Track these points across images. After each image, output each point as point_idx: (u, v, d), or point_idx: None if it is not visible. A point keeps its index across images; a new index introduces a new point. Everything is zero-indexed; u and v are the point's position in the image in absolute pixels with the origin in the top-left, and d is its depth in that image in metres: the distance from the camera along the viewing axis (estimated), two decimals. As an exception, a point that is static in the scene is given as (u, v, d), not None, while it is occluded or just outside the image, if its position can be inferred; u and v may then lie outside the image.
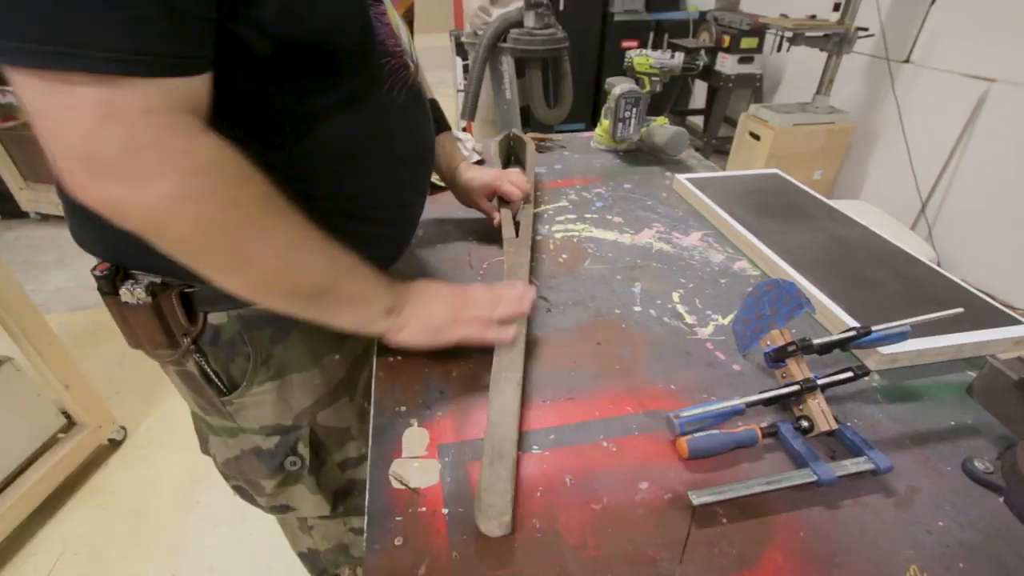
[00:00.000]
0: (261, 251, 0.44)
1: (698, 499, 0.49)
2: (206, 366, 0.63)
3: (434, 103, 0.81)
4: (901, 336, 0.62)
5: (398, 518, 0.50)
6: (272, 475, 0.72)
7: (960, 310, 0.62)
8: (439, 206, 1.06)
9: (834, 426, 0.55)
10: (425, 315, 0.57)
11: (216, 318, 0.60)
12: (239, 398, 0.65)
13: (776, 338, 0.62)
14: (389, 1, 0.59)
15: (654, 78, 1.29)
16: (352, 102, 0.52)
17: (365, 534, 0.48)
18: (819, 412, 0.56)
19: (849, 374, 0.58)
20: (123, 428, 1.69)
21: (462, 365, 0.67)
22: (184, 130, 0.39)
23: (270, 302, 0.50)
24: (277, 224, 0.45)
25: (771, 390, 0.58)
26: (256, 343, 0.62)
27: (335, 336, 0.63)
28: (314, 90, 0.49)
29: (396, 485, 0.53)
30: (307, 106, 0.49)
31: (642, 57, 1.30)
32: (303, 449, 0.71)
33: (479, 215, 0.96)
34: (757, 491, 0.50)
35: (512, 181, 0.86)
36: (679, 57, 1.27)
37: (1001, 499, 0.52)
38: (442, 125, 0.85)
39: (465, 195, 0.91)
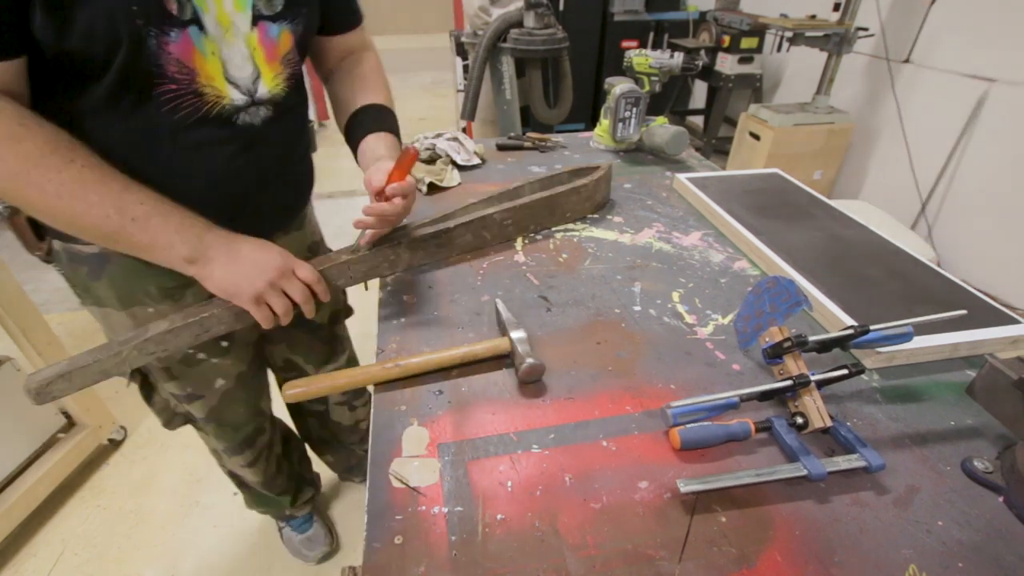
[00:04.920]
0: (37, 198, 0.57)
1: (686, 487, 0.50)
2: (64, 276, 0.79)
3: (372, 108, 0.84)
4: (904, 337, 0.62)
5: (398, 517, 0.50)
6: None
7: (963, 312, 0.62)
8: (440, 205, 1.06)
9: (829, 423, 0.55)
10: (226, 276, 0.64)
11: (55, 244, 0.75)
12: (89, 308, 0.81)
13: (775, 334, 0.63)
14: (217, 42, 0.64)
15: (653, 78, 1.29)
16: (111, 109, 0.61)
17: (365, 532, 0.49)
18: (814, 409, 0.56)
19: (844, 371, 0.58)
20: (123, 428, 1.69)
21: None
22: None
23: (77, 235, 0.63)
24: (51, 178, 0.56)
25: (766, 385, 0.59)
26: (76, 275, 0.77)
27: (149, 294, 0.77)
28: (78, 90, 0.60)
29: (396, 484, 0.53)
30: (77, 104, 0.61)
31: (641, 57, 1.30)
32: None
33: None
34: (747, 482, 0.51)
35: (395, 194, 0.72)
36: (678, 57, 1.27)
37: (1000, 499, 0.52)
38: (378, 126, 0.82)
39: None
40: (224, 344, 0.89)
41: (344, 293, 1.08)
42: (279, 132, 0.75)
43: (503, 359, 0.68)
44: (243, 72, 0.68)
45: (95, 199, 0.58)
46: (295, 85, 0.76)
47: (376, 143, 0.80)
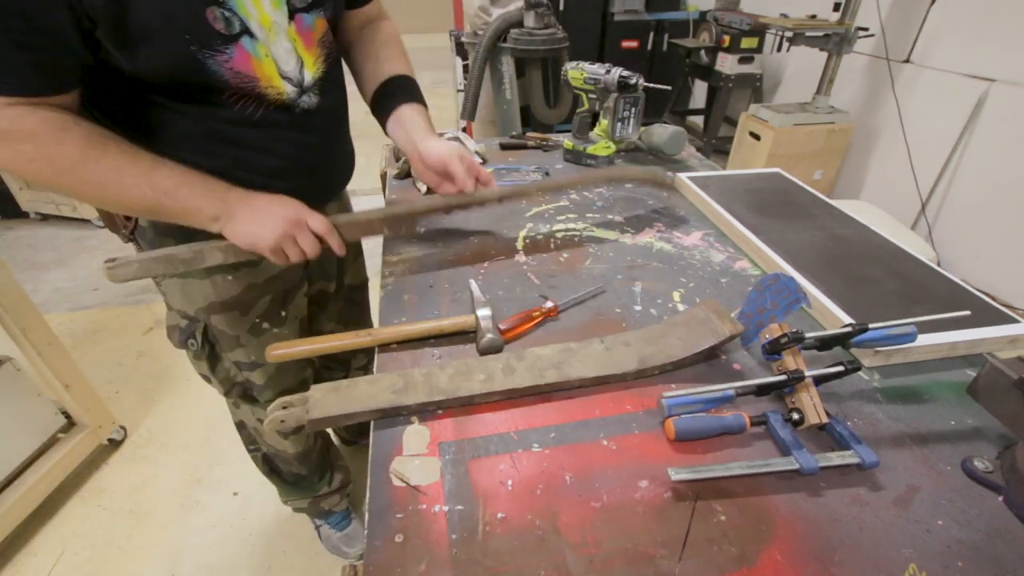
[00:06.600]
0: (86, 188, 0.65)
1: (677, 475, 0.51)
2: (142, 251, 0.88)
3: (402, 79, 0.89)
4: (908, 337, 0.62)
5: (399, 515, 0.50)
6: (182, 347, 0.96)
7: (967, 312, 0.62)
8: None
9: (825, 419, 0.56)
10: (248, 230, 0.72)
11: (142, 221, 0.83)
12: (162, 282, 0.90)
13: (774, 331, 0.63)
14: (270, 46, 0.71)
15: (591, 95, 1.21)
16: (182, 112, 0.70)
17: (366, 531, 0.49)
18: (810, 405, 0.56)
19: (840, 368, 0.58)
20: (123, 428, 1.69)
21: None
22: (15, 116, 0.59)
23: (127, 213, 0.78)
24: (92, 169, 0.64)
25: (762, 379, 0.59)
26: (164, 247, 0.81)
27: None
28: (150, 97, 0.69)
29: (397, 483, 0.53)
30: (149, 108, 0.70)
31: (577, 71, 1.20)
32: (198, 336, 0.93)
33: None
34: (737, 473, 0.52)
35: (465, 160, 0.84)
36: (615, 72, 1.16)
37: (1000, 498, 0.52)
38: (411, 97, 0.88)
39: (420, 166, 0.88)
40: (283, 314, 0.97)
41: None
42: (330, 108, 0.83)
43: (469, 334, 0.72)
44: (290, 65, 0.74)
45: (130, 181, 0.65)
46: (333, 61, 0.82)
47: (412, 114, 0.86)
